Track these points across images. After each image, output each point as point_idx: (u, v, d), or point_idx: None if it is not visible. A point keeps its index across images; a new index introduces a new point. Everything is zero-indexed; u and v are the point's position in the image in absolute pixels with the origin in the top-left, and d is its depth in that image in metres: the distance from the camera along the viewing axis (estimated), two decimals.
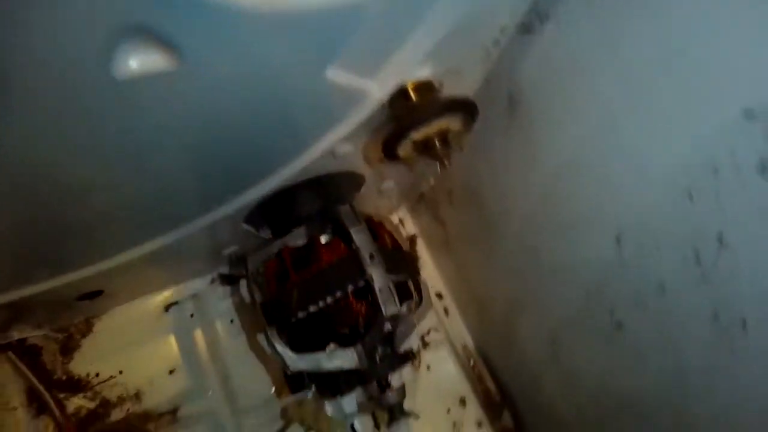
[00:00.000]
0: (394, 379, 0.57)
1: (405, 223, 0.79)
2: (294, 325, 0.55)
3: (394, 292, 0.51)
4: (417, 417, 0.57)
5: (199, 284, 0.70)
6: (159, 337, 0.66)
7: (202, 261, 0.66)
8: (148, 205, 0.46)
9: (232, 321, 0.69)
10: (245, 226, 0.61)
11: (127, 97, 0.31)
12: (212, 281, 0.70)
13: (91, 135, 0.34)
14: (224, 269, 0.70)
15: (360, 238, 0.53)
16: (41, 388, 0.60)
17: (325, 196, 0.59)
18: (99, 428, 0.60)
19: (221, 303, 0.69)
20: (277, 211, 0.60)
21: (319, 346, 0.54)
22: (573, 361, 0.56)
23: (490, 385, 0.74)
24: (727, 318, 0.36)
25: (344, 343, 0.55)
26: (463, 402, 0.70)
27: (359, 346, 0.53)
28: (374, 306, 0.53)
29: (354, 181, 0.60)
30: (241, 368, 0.66)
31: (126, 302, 0.66)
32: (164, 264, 0.61)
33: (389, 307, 0.51)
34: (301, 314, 0.54)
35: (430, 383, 0.70)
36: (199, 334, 0.67)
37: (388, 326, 0.52)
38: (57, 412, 0.59)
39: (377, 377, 0.55)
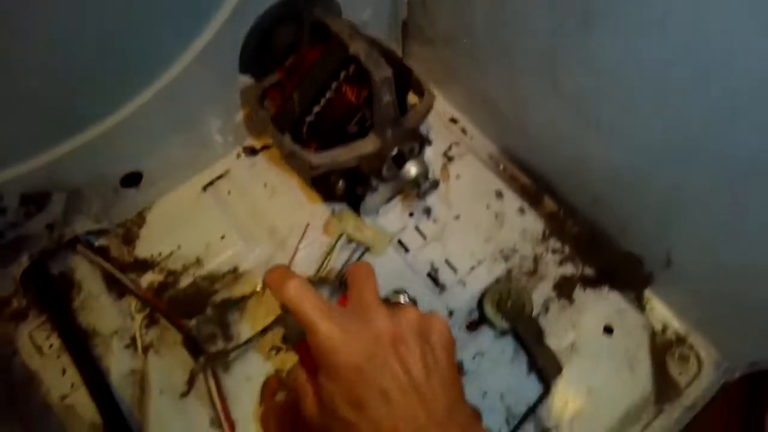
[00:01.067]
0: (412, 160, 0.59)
1: None
2: (307, 133, 0.58)
3: (380, 57, 0.54)
4: (437, 182, 0.59)
5: (228, 162, 0.75)
6: (204, 212, 0.71)
7: (221, 133, 0.71)
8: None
9: (265, 185, 0.73)
10: (242, 78, 0.65)
11: None
12: (237, 156, 0.75)
13: None
14: (247, 141, 0.75)
15: (337, 23, 0.56)
16: (116, 271, 0.66)
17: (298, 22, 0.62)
18: (172, 295, 0.66)
19: (250, 172, 0.74)
20: (261, 51, 0.64)
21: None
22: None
23: (524, 179, 0.74)
24: None
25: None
26: (499, 195, 0.72)
27: (374, 127, 0.56)
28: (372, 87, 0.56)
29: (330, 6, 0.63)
30: (283, 219, 0.70)
31: (167, 192, 0.72)
32: (181, 134, 0.66)
33: (379, 71, 0.53)
34: (308, 117, 0.57)
35: (463, 188, 0.72)
36: (238, 203, 0.72)
37: (386, 96, 0.55)
38: (134, 287, 0.65)
39: (394, 152, 0.57)
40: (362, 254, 0.66)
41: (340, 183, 0.60)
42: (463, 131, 0.79)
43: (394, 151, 0.58)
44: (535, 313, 0.62)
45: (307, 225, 0.68)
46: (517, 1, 0.55)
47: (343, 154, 0.57)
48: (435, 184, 0.59)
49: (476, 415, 0.55)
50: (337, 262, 0.66)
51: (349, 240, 0.66)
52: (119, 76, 0.54)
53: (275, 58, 0.63)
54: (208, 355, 0.61)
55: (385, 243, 0.66)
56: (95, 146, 0.57)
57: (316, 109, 0.57)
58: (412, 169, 0.58)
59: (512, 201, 0.71)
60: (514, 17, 0.57)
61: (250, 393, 0.61)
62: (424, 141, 0.59)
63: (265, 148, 0.76)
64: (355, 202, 0.65)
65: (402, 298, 0.51)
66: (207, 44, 0.58)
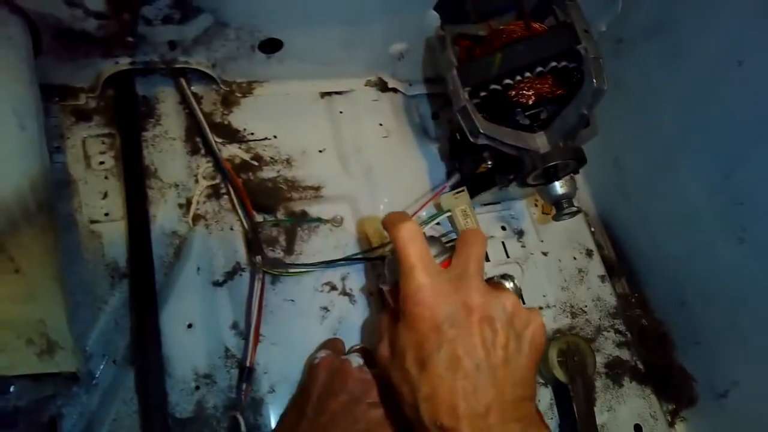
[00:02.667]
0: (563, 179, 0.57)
1: None
2: (481, 99, 0.55)
3: (602, 66, 0.51)
4: (580, 210, 0.56)
5: (354, 84, 0.70)
6: (313, 118, 0.66)
7: (368, 52, 0.66)
8: None
9: (380, 124, 0.69)
10: (432, 13, 0.61)
11: None
12: (366, 83, 0.70)
13: None
14: (383, 74, 0.70)
15: (576, 13, 0.53)
16: (204, 121, 0.59)
17: None
18: (249, 180, 0.60)
19: (371, 105, 0.69)
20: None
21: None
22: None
23: (610, 253, 0.73)
24: None
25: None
26: (589, 253, 0.70)
27: (551, 129, 0.53)
28: (570, 88, 0.53)
29: None
30: (384, 165, 0.66)
31: (287, 79, 0.66)
32: (338, 32, 0.61)
33: (598, 81, 0.51)
34: (494, 85, 0.54)
35: (560, 231, 0.70)
36: (348, 127, 0.67)
37: (585, 108, 0.52)
38: (216, 148, 0.58)
39: (552, 163, 0.54)
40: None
41: (489, 162, 0.56)
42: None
43: (554, 162, 0.55)
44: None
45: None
46: (735, 88, 0.54)
47: (509, 137, 0.53)
48: (575, 212, 0.56)
49: (543, 423, 0.52)
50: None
51: (449, 219, 0.62)
52: None
53: (477, 12, 0.60)
54: (267, 258, 0.55)
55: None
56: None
57: (509, 81, 0.53)
58: (562, 187, 0.55)
59: (597, 266, 0.70)
60: (725, 102, 0.56)
61: (287, 315, 0.55)
62: (581, 164, 0.56)
63: (394, 90, 0.71)
64: (480, 185, 0.61)
65: (508, 284, 0.48)
66: None
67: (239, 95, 0.64)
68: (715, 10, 0.55)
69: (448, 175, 0.67)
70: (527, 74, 0.53)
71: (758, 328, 0.56)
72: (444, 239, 0.52)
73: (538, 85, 0.54)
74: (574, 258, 0.69)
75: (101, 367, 0.49)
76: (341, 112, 0.68)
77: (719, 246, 0.58)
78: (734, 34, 0.54)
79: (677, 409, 0.64)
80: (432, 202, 0.63)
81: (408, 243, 0.43)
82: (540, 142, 0.54)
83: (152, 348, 0.50)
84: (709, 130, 0.58)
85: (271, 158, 0.62)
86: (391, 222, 0.45)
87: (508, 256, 0.66)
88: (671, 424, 0.64)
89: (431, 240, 0.49)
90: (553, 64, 0.53)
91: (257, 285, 0.54)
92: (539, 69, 0.53)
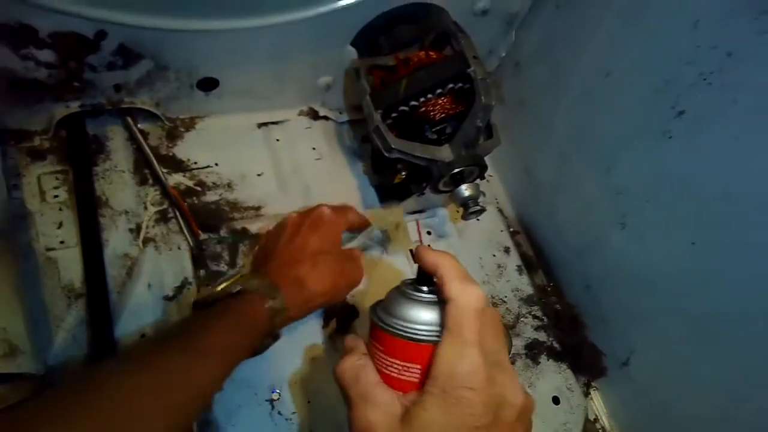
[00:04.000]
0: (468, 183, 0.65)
1: None
2: (393, 120, 0.64)
3: (490, 87, 0.61)
4: (484, 209, 0.65)
5: (288, 114, 0.78)
6: (250, 145, 0.73)
7: (298, 86, 0.74)
8: None
9: (314, 148, 0.77)
10: (349, 49, 0.70)
11: None
12: (299, 113, 0.78)
13: None
14: (314, 104, 0.79)
15: (466, 42, 0.63)
16: (150, 154, 0.66)
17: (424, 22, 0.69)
18: (194, 204, 0.66)
19: (304, 131, 0.77)
20: (380, 33, 0.69)
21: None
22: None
23: (528, 249, 0.82)
24: None
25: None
26: (507, 250, 0.79)
27: (454, 141, 0.62)
28: (468, 106, 0.63)
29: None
30: (319, 183, 0.73)
31: (225, 113, 0.73)
32: (268, 70, 0.69)
33: (486, 97, 0.60)
34: (403, 107, 0.63)
35: (480, 231, 0.79)
36: (284, 152, 0.74)
37: (479, 120, 0.61)
38: (162, 177, 0.65)
39: (459, 170, 0.63)
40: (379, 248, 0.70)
41: (403, 174, 0.65)
42: (489, 182, 0.87)
43: (459, 169, 0.63)
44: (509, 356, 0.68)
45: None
46: (610, 95, 0.64)
47: (418, 150, 0.62)
48: (481, 211, 0.64)
49: None
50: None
51: (381, 231, 0.69)
52: None
53: (388, 45, 0.69)
54: (209, 271, 0.62)
55: (406, 248, 0.70)
56: (208, 40, 0.59)
57: (414, 103, 0.62)
58: (467, 190, 0.64)
59: (514, 260, 0.78)
60: (600, 109, 0.66)
61: None
62: (483, 171, 0.65)
63: (324, 118, 0.79)
64: (400, 195, 0.70)
65: None
66: (343, 6, 0.63)
67: (182, 129, 0.71)
68: (584, 32, 0.66)
69: (377, 189, 0.75)
70: (430, 95, 0.62)
71: (644, 302, 0.65)
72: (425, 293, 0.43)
73: (440, 104, 0.63)
74: (494, 255, 0.77)
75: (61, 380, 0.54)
76: (278, 140, 0.75)
77: (609, 233, 0.67)
78: (600, 51, 0.64)
79: (590, 380, 0.73)
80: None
81: (476, 314, 0.38)
82: (445, 153, 0.63)
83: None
84: (591, 133, 0.68)
85: (214, 183, 0.69)
86: (449, 276, 0.39)
87: None
88: (586, 394, 0.72)
89: (428, 305, 0.42)
90: (451, 85, 0.62)
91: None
92: (439, 90, 0.62)
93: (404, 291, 0.43)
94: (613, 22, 0.62)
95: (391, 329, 0.40)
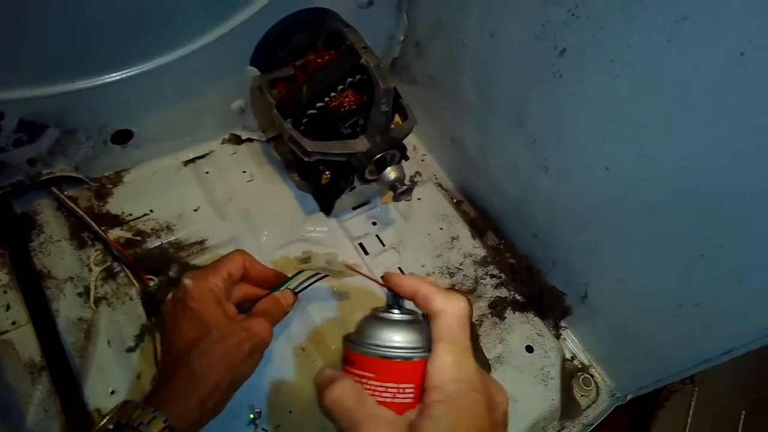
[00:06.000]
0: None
1: None
2: (305, 125, 0.65)
3: (386, 71, 0.63)
4: (412, 185, 0.67)
5: (212, 145, 0.79)
6: (181, 184, 0.75)
7: (214, 116, 0.76)
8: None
9: (244, 172, 0.78)
10: (250, 68, 0.72)
11: None
12: (222, 141, 0.80)
13: None
14: (235, 130, 0.80)
15: (353, 36, 0.65)
16: (86, 217, 0.67)
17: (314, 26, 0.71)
18: (137, 253, 0.67)
19: (232, 158, 0.79)
20: (275, 47, 0.71)
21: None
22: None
23: (473, 213, 0.85)
24: None
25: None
26: (452, 221, 0.81)
27: (367, 131, 0.64)
28: (371, 94, 0.65)
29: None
30: (256, 205, 0.75)
31: (149, 159, 0.75)
32: (179, 107, 0.70)
33: (384, 82, 0.62)
34: (310, 111, 0.65)
35: (423, 209, 0.81)
36: (216, 183, 0.76)
37: (384, 105, 0.63)
38: (103, 234, 0.66)
39: (378, 156, 0.65)
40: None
41: (327, 173, 0.67)
42: (423, 161, 0.89)
43: (378, 156, 0.66)
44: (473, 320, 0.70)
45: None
46: (501, 54, 0.67)
47: (336, 148, 0.64)
48: (410, 190, 0.67)
49: (485, 364, 0.62)
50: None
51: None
52: (154, 32, 0.59)
53: (287, 56, 0.71)
54: (160, 317, 0.63)
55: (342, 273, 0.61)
56: (108, 93, 0.60)
57: (320, 104, 0.64)
58: (391, 173, 0.66)
59: (462, 228, 0.81)
60: (496, 68, 0.69)
61: None
62: (404, 152, 0.67)
63: (248, 140, 0.81)
64: (332, 196, 0.71)
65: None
66: (230, 30, 0.65)
67: (110, 186, 0.72)
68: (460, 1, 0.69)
69: (313, 196, 0.77)
70: (333, 93, 0.64)
71: (585, 236, 0.68)
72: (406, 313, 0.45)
73: (345, 99, 0.65)
74: (441, 228, 0.80)
75: None
76: (207, 172, 0.77)
77: (536, 180, 0.70)
78: (480, 14, 0.67)
79: (558, 322, 0.75)
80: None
81: (466, 322, 0.40)
82: (361, 144, 0.65)
83: (82, 423, 0.56)
84: (496, 92, 0.71)
85: (152, 229, 0.70)
86: (432, 292, 0.41)
87: (384, 245, 0.76)
88: (558, 336, 0.75)
89: (412, 326, 0.43)
90: (349, 79, 0.64)
91: (159, 341, 0.61)
92: (340, 87, 0.64)
93: (386, 317, 0.44)
94: None
95: (386, 354, 0.40)
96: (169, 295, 0.53)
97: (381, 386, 0.40)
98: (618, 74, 0.53)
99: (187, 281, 0.51)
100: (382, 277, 0.46)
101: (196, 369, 0.47)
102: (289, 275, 0.59)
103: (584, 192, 0.65)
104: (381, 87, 0.62)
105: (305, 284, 0.60)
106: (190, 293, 0.50)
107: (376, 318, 0.44)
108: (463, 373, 0.38)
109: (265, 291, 0.58)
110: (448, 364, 0.38)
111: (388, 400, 0.40)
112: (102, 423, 0.45)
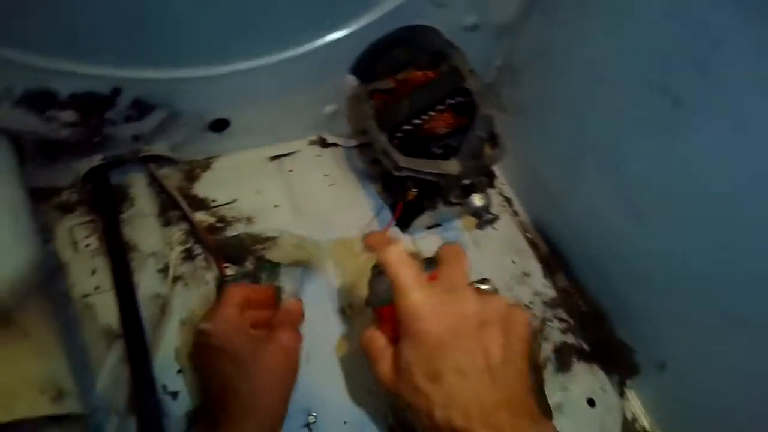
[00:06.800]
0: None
1: None
2: (398, 140, 0.66)
3: (488, 98, 0.63)
4: (497, 217, 0.66)
5: (299, 145, 0.81)
6: (265, 179, 0.76)
7: (305, 117, 0.77)
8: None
9: (326, 175, 0.79)
10: (350, 77, 0.73)
11: None
12: (309, 142, 0.81)
13: None
14: (322, 133, 0.81)
15: (459, 58, 0.65)
16: (176, 194, 0.69)
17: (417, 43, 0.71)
18: (217, 239, 0.69)
19: (315, 160, 0.80)
20: (376, 59, 0.72)
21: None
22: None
23: (546, 251, 0.83)
24: None
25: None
26: (526, 255, 0.79)
27: (460, 154, 0.64)
28: (469, 118, 0.64)
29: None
30: (334, 209, 0.76)
31: (238, 150, 0.77)
32: (276, 105, 0.72)
33: (485, 108, 0.62)
34: (406, 126, 0.65)
35: (497, 239, 0.80)
36: (297, 183, 0.77)
37: (482, 130, 0.63)
38: (189, 214, 0.68)
39: (467, 182, 0.64)
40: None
41: (414, 190, 0.66)
42: (501, 194, 0.88)
43: (467, 181, 0.65)
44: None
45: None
46: (606, 93, 0.65)
47: (426, 166, 0.64)
48: (494, 219, 0.66)
49: (546, 409, 0.59)
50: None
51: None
52: (271, 33, 0.61)
53: (386, 69, 0.71)
54: None
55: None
56: (218, 83, 0.63)
57: (417, 121, 0.64)
58: (478, 200, 0.65)
59: (535, 265, 0.79)
60: (598, 107, 0.67)
61: None
62: (492, 180, 0.67)
63: (334, 144, 0.82)
64: (413, 213, 0.71)
65: (487, 287, 0.53)
66: (341, 38, 0.66)
67: (199, 170, 0.74)
68: (571, 35, 0.67)
69: (391, 208, 0.77)
70: (431, 112, 0.65)
71: (671, 298, 0.64)
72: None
73: (442, 120, 0.65)
74: (513, 261, 0.78)
75: (106, 419, 0.56)
76: (291, 171, 0.78)
77: (625, 231, 0.67)
78: (589, 51, 0.66)
79: (623, 379, 0.72)
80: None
81: (399, 265, 0.45)
82: (453, 166, 0.64)
83: (149, 395, 0.57)
84: (593, 133, 0.69)
85: (234, 218, 0.72)
86: (378, 246, 0.48)
87: None
88: (621, 394, 0.71)
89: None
90: (450, 101, 0.64)
91: None
92: (440, 107, 0.64)
93: (378, 275, 0.54)
94: (597, 23, 0.64)
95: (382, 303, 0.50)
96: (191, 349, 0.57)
97: (390, 327, 0.49)
98: (746, 134, 0.51)
99: (205, 326, 0.54)
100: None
101: (243, 392, 0.49)
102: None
103: (686, 257, 0.61)
104: (482, 113, 0.62)
105: (297, 281, 0.65)
106: (210, 333, 0.53)
107: (377, 275, 0.53)
108: (404, 309, 0.45)
109: (271, 310, 0.59)
110: (397, 304, 0.45)
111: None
112: None
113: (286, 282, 0.65)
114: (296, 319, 0.59)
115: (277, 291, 0.64)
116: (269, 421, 0.49)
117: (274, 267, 0.66)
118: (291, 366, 0.53)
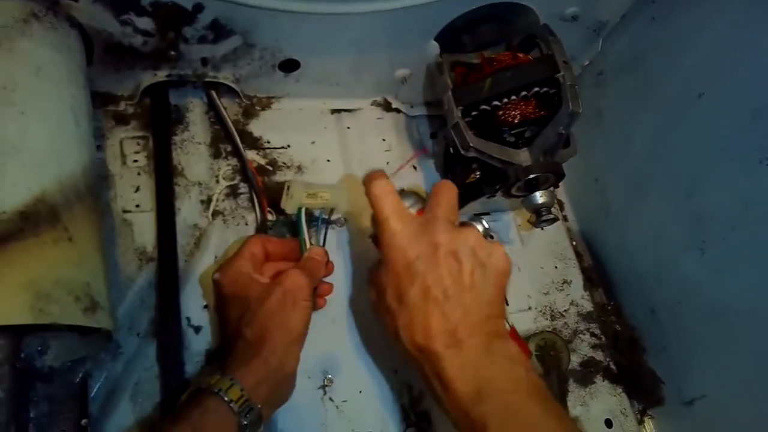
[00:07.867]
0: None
1: None
2: (473, 118, 0.62)
3: (578, 94, 0.59)
4: (557, 218, 0.63)
5: (361, 103, 0.78)
6: (323, 131, 0.74)
7: (375, 76, 0.74)
8: None
9: (383, 140, 0.76)
10: (433, 43, 0.69)
11: None
12: (372, 103, 0.78)
13: None
14: (387, 96, 0.78)
15: (557, 47, 0.61)
16: (233, 128, 0.67)
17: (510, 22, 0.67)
18: (264, 181, 0.67)
19: (375, 122, 0.77)
20: (464, 31, 0.68)
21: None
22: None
23: (589, 264, 0.80)
24: None
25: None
26: (569, 263, 0.77)
27: (533, 146, 0.61)
28: (551, 111, 0.61)
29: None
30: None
31: (301, 96, 0.74)
32: (348, 58, 0.69)
33: (574, 104, 0.58)
34: (485, 105, 0.61)
35: (543, 241, 0.77)
36: (354, 141, 0.74)
37: (562, 127, 0.59)
38: (242, 151, 0.66)
39: (535, 175, 0.61)
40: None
41: (477, 173, 0.63)
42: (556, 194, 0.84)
43: (535, 174, 0.62)
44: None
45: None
46: (703, 114, 0.61)
47: (496, 151, 0.61)
48: (553, 220, 0.63)
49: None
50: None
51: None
52: None
53: (473, 43, 0.68)
54: None
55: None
56: (299, 22, 0.60)
57: (497, 103, 0.61)
58: (541, 197, 0.62)
59: (576, 274, 0.76)
60: (686, 128, 0.63)
61: None
62: (559, 179, 0.63)
63: (396, 110, 0.79)
64: (470, 194, 0.68)
65: (478, 225, 0.53)
66: (432, 2, 0.62)
67: (258, 108, 0.72)
68: (679, 47, 0.63)
69: None
70: (513, 97, 0.61)
71: (713, 336, 0.62)
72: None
73: (523, 107, 0.61)
74: (556, 267, 0.75)
75: (126, 338, 0.55)
76: (348, 128, 0.75)
77: (683, 259, 0.64)
78: (695, 69, 0.61)
79: (646, 408, 0.70)
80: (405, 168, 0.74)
81: (381, 197, 0.51)
82: (523, 157, 0.61)
83: (173, 324, 0.56)
84: (674, 153, 0.65)
85: (284, 164, 0.69)
86: (366, 181, 0.53)
87: None
88: (640, 422, 0.69)
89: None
90: (536, 89, 0.60)
91: None
92: (524, 93, 0.61)
93: None
94: (714, 41, 0.59)
95: None
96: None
97: None
98: None
99: (216, 275, 0.54)
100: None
101: (248, 336, 0.49)
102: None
103: (736, 293, 0.58)
104: (570, 109, 0.58)
105: (321, 231, 0.62)
106: (222, 283, 0.53)
107: None
108: (381, 238, 0.50)
109: (293, 263, 0.57)
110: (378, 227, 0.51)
111: None
112: (189, 390, 0.47)
113: (311, 235, 0.61)
114: (315, 266, 0.56)
115: (302, 244, 0.59)
116: (276, 361, 0.48)
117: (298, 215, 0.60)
118: (297, 309, 0.51)
